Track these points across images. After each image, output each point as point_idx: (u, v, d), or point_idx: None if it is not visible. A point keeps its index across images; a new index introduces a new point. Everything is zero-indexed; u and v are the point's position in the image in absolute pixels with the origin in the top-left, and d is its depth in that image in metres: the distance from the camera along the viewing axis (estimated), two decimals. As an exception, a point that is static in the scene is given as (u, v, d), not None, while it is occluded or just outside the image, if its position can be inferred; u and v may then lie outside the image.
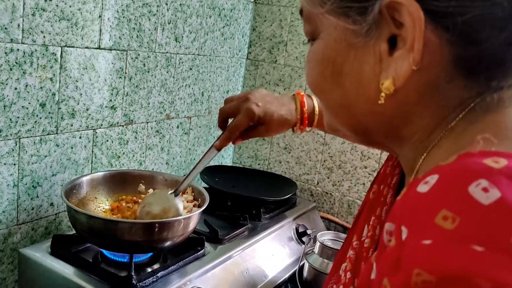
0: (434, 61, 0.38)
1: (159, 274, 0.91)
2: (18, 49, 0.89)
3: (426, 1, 0.36)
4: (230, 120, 0.84)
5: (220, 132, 0.84)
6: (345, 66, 0.42)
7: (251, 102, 0.80)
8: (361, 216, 0.55)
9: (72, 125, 1.05)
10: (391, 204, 0.51)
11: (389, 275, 0.31)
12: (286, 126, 0.82)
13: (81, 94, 1.05)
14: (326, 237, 1.22)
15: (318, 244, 1.18)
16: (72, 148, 1.06)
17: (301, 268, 1.20)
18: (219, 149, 0.83)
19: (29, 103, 0.94)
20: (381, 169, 0.58)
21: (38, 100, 0.96)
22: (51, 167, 1.03)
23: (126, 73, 1.15)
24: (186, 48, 1.33)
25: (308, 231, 1.32)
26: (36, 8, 0.90)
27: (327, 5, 0.41)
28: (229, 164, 1.72)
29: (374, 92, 0.40)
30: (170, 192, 0.94)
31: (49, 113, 0.99)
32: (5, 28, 0.86)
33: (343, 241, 1.20)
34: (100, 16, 1.04)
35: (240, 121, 0.80)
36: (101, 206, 1.06)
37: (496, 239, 0.28)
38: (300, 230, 1.32)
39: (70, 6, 0.96)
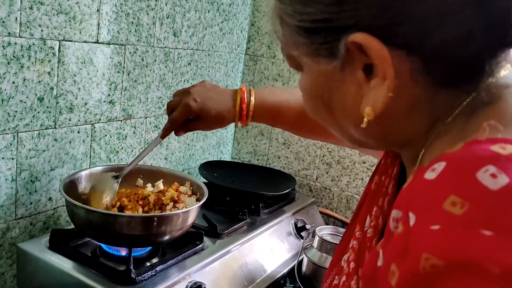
0: (411, 84, 0.39)
1: (158, 268, 0.91)
2: (15, 43, 0.89)
3: (387, 38, 0.37)
4: None
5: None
6: (332, 98, 0.44)
7: (190, 97, 0.83)
8: (363, 206, 0.55)
9: (70, 120, 1.05)
10: (393, 194, 0.51)
11: (397, 260, 0.31)
12: (225, 122, 0.85)
13: (79, 88, 1.05)
14: (325, 231, 1.22)
15: (317, 238, 1.18)
16: (70, 142, 1.06)
17: (300, 263, 1.20)
18: (162, 137, 0.90)
19: (27, 97, 0.94)
20: (381, 160, 0.59)
21: (36, 94, 0.96)
22: (49, 161, 1.03)
23: (124, 67, 1.15)
24: (185, 43, 1.33)
25: (307, 226, 1.32)
26: (33, 2, 0.90)
27: (299, 48, 0.43)
28: (228, 160, 1.72)
29: (359, 118, 0.42)
30: (113, 175, 0.99)
31: (47, 107, 0.99)
32: (3, 22, 0.86)
33: (341, 235, 1.20)
34: (98, 10, 1.04)
35: (177, 115, 0.85)
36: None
37: (505, 223, 0.28)
38: (299, 225, 1.32)
39: (68, 0, 0.96)
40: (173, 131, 0.88)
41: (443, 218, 0.30)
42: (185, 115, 0.84)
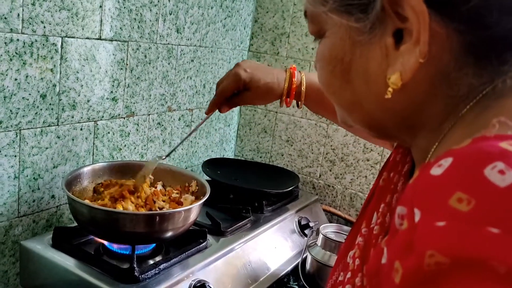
0: (442, 51, 0.37)
1: (161, 266, 0.91)
2: (18, 39, 0.88)
3: None
4: None
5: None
6: (352, 64, 0.42)
7: (240, 67, 0.83)
8: (370, 203, 0.54)
9: (73, 117, 1.04)
10: (402, 191, 0.50)
11: (401, 257, 0.31)
12: (272, 95, 0.84)
13: (82, 85, 1.04)
14: (329, 229, 1.22)
15: (321, 236, 1.18)
16: (73, 140, 1.06)
17: (304, 261, 1.20)
18: (207, 113, 0.89)
19: (30, 94, 0.93)
20: (390, 156, 0.57)
21: (38, 91, 0.95)
22: (52, 159, 1.02)
23: (127, 64, 1.14)
24: (188, 39, 1.32)
25: (311, 224, 1.32)
26: (36, -2, 0.89)
27: (329, 3, 0.41)
28: (231, 157, 1.72)
29: (382, 88, 0.40)
30: (158, 156, 1.01)
31: (50, 104, 0.98)
32: (5, 18, 0.85)
33: (346, 233, 1.20)
34: (101, 7, 1.03)
35: (226, 85, 0.84)
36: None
37: None
38: (303, 222, 1.32)
39: (70, -4, 0.95)
40: (218, 108, 0.87)
41: (449, 214, 0.29)
42: (234, 85, 0.83)
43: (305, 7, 0.46)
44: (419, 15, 0.36)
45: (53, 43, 0.95)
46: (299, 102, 0.86)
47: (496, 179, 0.29)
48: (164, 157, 1.00)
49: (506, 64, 0.37)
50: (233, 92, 0.85)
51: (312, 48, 1.53)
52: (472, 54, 0.37)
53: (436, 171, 0.32)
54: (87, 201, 0.94)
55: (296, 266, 1.19)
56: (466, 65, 0.38)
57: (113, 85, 1.12)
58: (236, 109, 1.67)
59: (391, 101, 0.40)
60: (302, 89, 0.83)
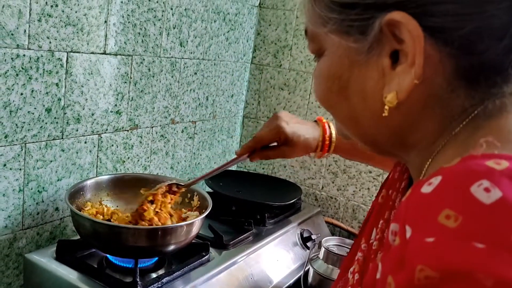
0: (436, 74, 0.39)
1: (164, 280, 0.91)
2: (24, 55, 0.90)
3: (424, 18, 0.37)
4: None
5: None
6: (350, 82, 0.44)
7: (281, 120, 0.83)
8: (370, 219, 0.56)
9: (77, 130, 1.05)
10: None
11: (394, 272, 0.32)
12: (308, 150, 0.85)
13: (86, 99, 1.05)
14: (331, 242, 1.22)
15: (323, 249, 1.18)
16: (77, 153, 1.07)
17: (306, 274, 1.20)
18: (238, 155, 0.86)
19: (35, 108, 0.95)
20: (389, 174, 0.59)
21: (44, 105, 0.96)
22: (56, 172, 1.03)
23: (131, 78, 1.16)
24: (191, 52, 1.33)
25: (313, 236, 1.32)
26: (42, 14, 0.90)
27: (329, 24, 0.43)
28: (233, 169, 1.72)
29: (378, 106, 0.42)
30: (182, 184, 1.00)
31: (55, 118, 0.99)
32: (12, 34, 0.87)
33: (348, 246, 1.20)
34: (105, 22, 1.04)
35: (265, 133, 0.84)
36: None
37: (497, 236, 0.29)
38: (305, 235, 1.32)
39: (76, 12, 0.97)
40: (249, 154, 0.85)
41: (437, 230, 0.30)
42: (275, 136, 0.84)
43: (306, 26, 0.48)
44: (415, 39, 0.37)
45: (59, 58, 0.96)
46: (320, 155, 0.87)
47: (482, 197, 0.30)
48: (182, 186, 1.00)
49: (495, 87, 0.39)
50: (270, 143, 0.85)
51: (315, 61, 1.54)
52: (463, 77, 0.39)
53: (426, 189, 0.34)
54: (89, 215, 0.95)
55: (298, 279, 1.19)
56: (458, 87, 0.40)
57: (117, 99, 1.13)
58: (238, 120, 1.68)
59: (387, 118, 0.42)
60: (332, 140, 0.84)
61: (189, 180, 1.45)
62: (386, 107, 0.41)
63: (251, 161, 0.86)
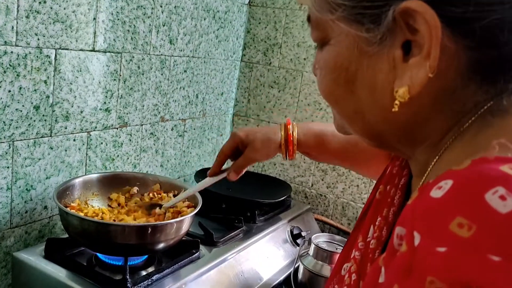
0: (451, 67, 0.37)
1: (154, 277, 0.91)
2: (12, 52, 0.89)
3: (443, 8, 0.35)
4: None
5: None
6: (358, 74, 0.41)
7: (236, 130, 0.86)
8: (367, 216, 0.54)
9: (66, 128, 1.04)
10: (399, 205, 0.49)
11: (400, 281, 0.31)
12: (271, 144, 0.82)
13: (75, 96, 1.04)
14: (321, 239, 1.23)
15: (313, 246, 1.19)
16: (66, 150, 1.06)
17: (296, 270, 1.20)
18: (210, 175, 0.88)
19: (23, 105, 0.94)
20: (386, 168, 0.57)
21: (32, 103, 0.95)
22: (45, 170, 1.02)
23: (120, 75, 1.15)
24: (181, 50, 1.33)
25: (303, 233, 1.33)
26: (30, 11, 0.90)
27: (337, 11, 0.40)
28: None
29: (388, 100, 0.39)
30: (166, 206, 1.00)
31: (43, 115, 0.98)
32: (-1, 31, 0.86)
33: (337, 243, 1.21)
34: (94, 19, 1.04)
35: (224, 145, 0.86)
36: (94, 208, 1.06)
37: None
38: (295, 232, 1.33)
39: (64, 9, 0.96)
40: (221, 170, 0.87)
41: (449, 240, 0.29)
42: (232, 143, 0.84)
43: (310, 12, 0.44)
44: (432, 30, 0.35)
45: (47, 55, 0.96)
46: (289, 152, 0.84)
47: (497, 205, 0.28)
48: (167, 206, 1.00)
49: (511, 83, 0.37)
50: (232, 151, 0.85)
51: (304, 59, 1.55)
52: (479, 71, 0.37)
53: (436, 193, 0.32)
54: (78, 212, 0.94)
55: (289, 275, 1.20)
56: (473, 81, 0.37)
57: (106, 96, 1.13)
58: (228, 119, 1.68)
59: (395, 113, 0.39)
60: (295, 135, 0.82)
61: (178, 178, 1.45)
62: (397, 102, 0.38)
63: (231, 179, 0.85)
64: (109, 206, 1.07)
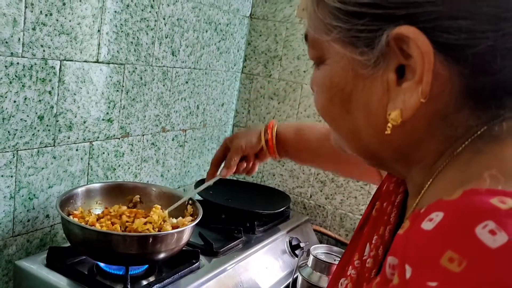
0: (443, 92, 0.37)
1: (155, 287, 0.92)
2: (18, 63, 0.91)
3: (435, 34, 0.35)
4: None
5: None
6: (353, 95, 0.41)
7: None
8: (364, 233, 0.54)
9: (69, 138, 1.06)
10: (395, 223, 0.50)
11: None
12: (253, 133, 0.89)
13: (78, 107, 1.06)
14: (319, 250, 1.24)
15: (311, 257, 1.19)
16: (68, 160, 1.07)
17: (295, 281, 1.21)
18: (208, 178, 0.95)
19: (28, 115, 0.95)
20: (383, 184, 0.57)
21: (36, 113, 0.97)
22: (47, 179, 1.03)
23: (123, 86, 1.17)
24: (183, 62, 1.35)
25: (301, 244, 1.33)
26: (36, 23, 0.92)
27: (333, 33, 0.40)
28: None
29: (381, 122, 0.40)
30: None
31: (47, 125, 1.00)
32: (6, 42, 0.87)
33: (336, 254, 1.22)
34: (99, 31, 1.05)
35: (216, 150, 0.94)
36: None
37: (504, 285, 0.27)
38: (294, 243, 1.34)
39: (70, 21, 0.98)
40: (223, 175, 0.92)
41: (440, 274, 0.29)
42: (222, 146, 0.92)
43: (307, 31, 0.45)
44: (424, 56, 0.35)
45: (52, 66, 0.97)
46: (268, 141, 0.89)
47: (487, 240, 0.29)
48: (169, 210, 1.05)
49: (504, 109, 0.38)
50: (224, 154, 0.92)
51: (304, 71, 1.57)
52: (472, 97, 0.37)
53: (427, 225, 0.32)
54: (80, 221, 0.95)
55: (287, 286, 1.21)
56: (465, 107, 0.38)
57: (109, 107, 1.14)
58: (228, 129, 1.70)
59: (389, 135, 0.40)
60: (274, 125, 0.88)
61: (178, 188, 1.46)
62: (390, 124, 0.39)
63: (224, 176, 0.91)
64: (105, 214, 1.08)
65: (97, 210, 1.08)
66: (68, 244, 1.00)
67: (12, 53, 0.89)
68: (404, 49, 0.37)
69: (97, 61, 1.07)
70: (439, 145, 0.40)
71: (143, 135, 1.28)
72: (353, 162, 0.75)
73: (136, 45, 1.17)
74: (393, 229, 0.50)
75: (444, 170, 0.40)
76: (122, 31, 1.12)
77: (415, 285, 0.30)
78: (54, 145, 1.03)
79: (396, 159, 0.44)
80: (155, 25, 1.21)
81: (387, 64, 0.38)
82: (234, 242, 1.18)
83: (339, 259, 1.17)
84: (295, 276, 1.21)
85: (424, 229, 0.32)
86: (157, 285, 0.92)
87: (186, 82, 1.39)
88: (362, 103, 0.41)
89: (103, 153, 1.16)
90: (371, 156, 0.46)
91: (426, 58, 0.35)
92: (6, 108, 0.91)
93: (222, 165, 0.92)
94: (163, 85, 1.30)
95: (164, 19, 1.23)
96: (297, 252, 1.32)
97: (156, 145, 1.34)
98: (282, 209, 1.38)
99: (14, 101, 0.92)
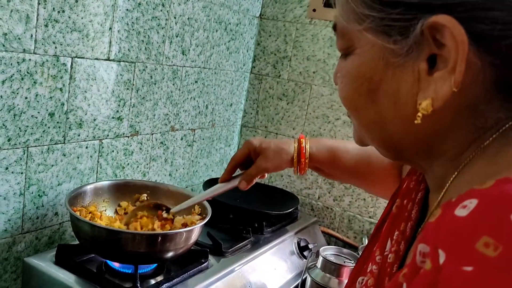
0: (475, 83, 0.37)
1: (164, 286, 0.91)
2: (30, 59, 0.90)
3: (471, 24, 0.35)
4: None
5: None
6: (382, 84, 0.41)
7: (251, 138, 0.85)
8: (384, 229, 0.54)
9: (79, 135, 1.06)
10: (416, 219, 0.50)
11: None
12: (284, 155, 0.81)
13: (89, 104, 1.06)
14: (328, 252, 1.23)
15: (321, 258, 1.19)
16: (78, 157, 1.07)
17: (304, 283, 1.20)
18: (222, 180, 0.86)
19: (39, 112, 0.95)
20: (403, 182, 0.57)
21: (47, 110, 0.97)
22: (57, 176, 1.03)
23: (133, 84, 1.16)
24: (192, 61, 1.35)
25: (310, 246, 1.33)
26: (49, 20, 0.91)
27: (365, 22, 0.40)
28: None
29: (410, 112, 0.40)
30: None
31: (57, 122, 1.00)
32: (19, 38, 0.87)
33: (345, 256, 1.21)
34: (110, 28, 1.05)
35: (238, 152, 0.85)
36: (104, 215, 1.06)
37: None
38: (302, 244, 1.33)
39: (82, 18, 0.98)
40: (231, 177, 0.85)
41: (476, 259, 0.29)
42: (245, 150, 0.83)
43: (336, 21, 0.45)
44: (459, 45, 0.36)
45: (63, 63, 0.97)
46: (300, 165, 0.83)
47: None
48: (175, 211, 0.99)
49: None
50: (244, 159, 0.84)
51: (313, 72, 1.56)
52: (502, 88, 0.37)
53: (461, 212, 0.32)
54: (88, 219, 0.95)
55: (295, 287, 1.20)
56: (495, 98, 0.38)
57: (119, 105, 1.14)
58: (236, 129, 1.69)
59: (416, 125, 0.39)
60: (307, 147, 0.81)
61: (186, 187, 1.46)
62: (420, 114, 0.38)
63: (241, 188, 0.83)
64: (116, 213, 1.08)
65: (105, 208, 1.07)
66: (76, 242, 1.00)
67: (24, 49, 0.89)
68: (438, 38, 0.37)
69: (108, 59, 1.07)
70: (467, 137, 0.40)
71: (152, 134, 1.28)
72: (381, 184, 0.75)
73: (146, 44, 1.17)
74: (414, 226, 0.49)
75: (470, 162, 0.40)
76: (133, 29, 1.11)
77: (450, 269, 0.30)
78: (64, 142, 1.03)
79: (418, 151, 0.44)
80: (166, 24, 1.21)
81: (419, 53, 0.38)
82: (243, 242, 1.18)
83: (349, 261, 1.17)
84: (304, 277, 1.21)
85: (458, 215, 0.32)
86: (166, 284, 0.92)
87: (196, 82, 1.39)
88: (391, 93, 0.41)
89: (113, 151, 1.16)
90: (393, 147, 0.45)
91: (460, 48, 0.36)
92: (18, 105, 0.91)
93: (238, 170, 0.86)
94: (173, 84, 1.30)
95: (175, 18, 1.23)
96: (305, 253, 1.31)
97: (165, 144, 1.33)
98: (290, 209, 1.37)
99: (26, 98, 0.92)
